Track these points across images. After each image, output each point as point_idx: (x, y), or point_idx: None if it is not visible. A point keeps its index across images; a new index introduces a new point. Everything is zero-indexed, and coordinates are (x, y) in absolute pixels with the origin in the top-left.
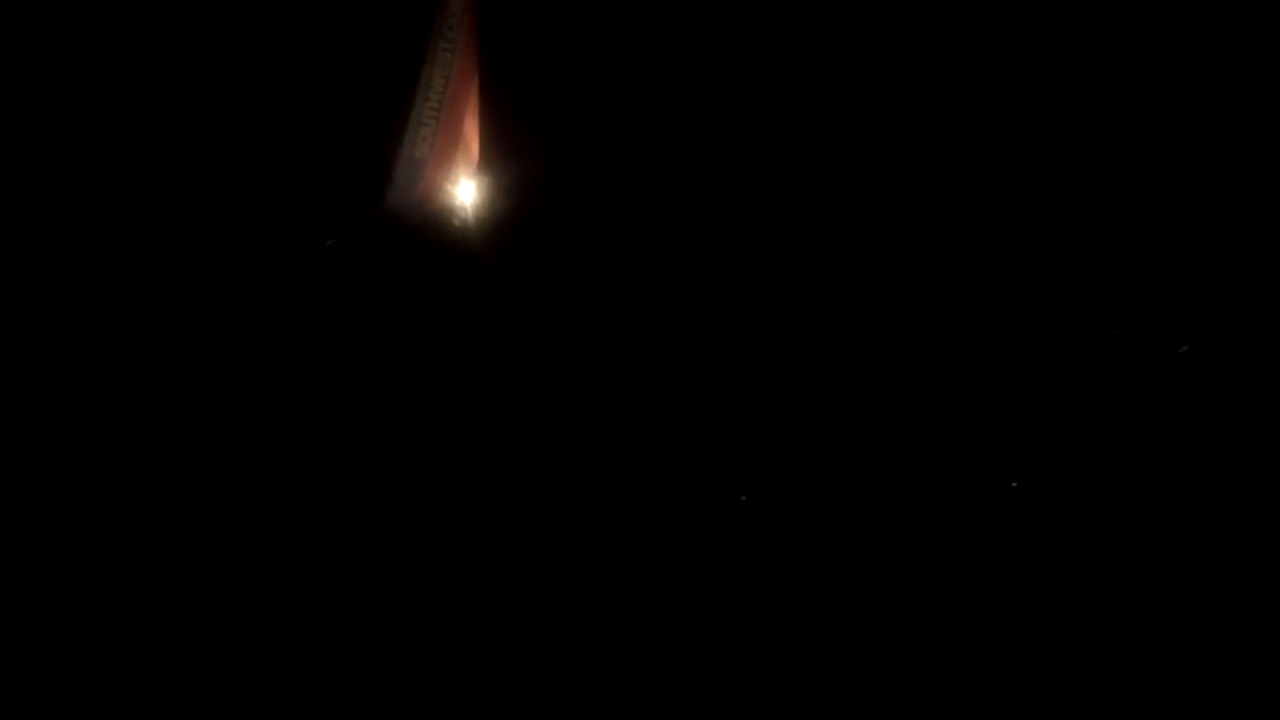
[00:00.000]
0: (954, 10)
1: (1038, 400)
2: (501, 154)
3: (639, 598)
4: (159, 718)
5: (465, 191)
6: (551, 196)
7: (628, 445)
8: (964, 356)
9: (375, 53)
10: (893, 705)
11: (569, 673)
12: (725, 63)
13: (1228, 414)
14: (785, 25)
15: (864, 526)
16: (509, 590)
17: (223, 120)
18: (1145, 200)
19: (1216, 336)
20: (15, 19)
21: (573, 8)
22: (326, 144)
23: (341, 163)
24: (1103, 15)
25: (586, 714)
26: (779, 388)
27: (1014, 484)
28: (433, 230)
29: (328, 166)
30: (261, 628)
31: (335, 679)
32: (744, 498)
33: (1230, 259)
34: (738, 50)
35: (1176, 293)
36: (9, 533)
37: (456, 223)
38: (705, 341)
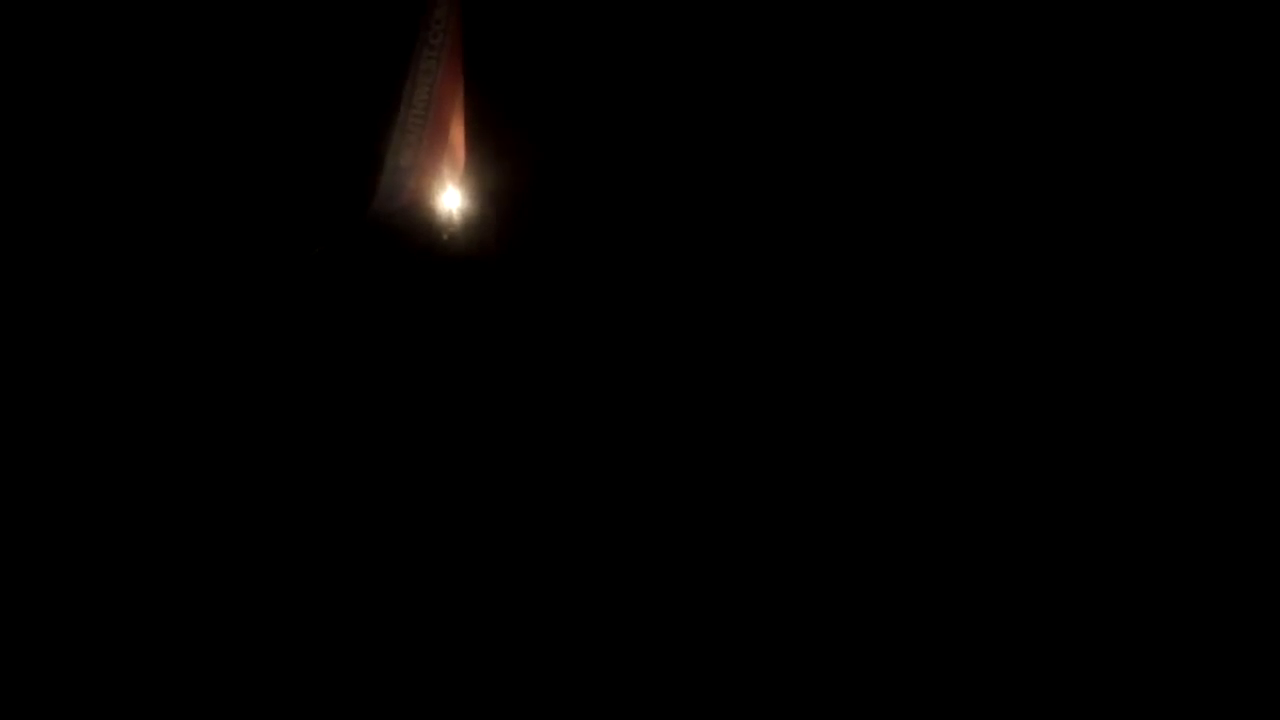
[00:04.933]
0: (952, 10)
1: (1038, 400)
2: (486, 160)
3: (631, 600)
4: (159, 718)
5: (450, 198)
6: (536, 202)
7: (617, 448)
8: (965, 357)
9: (360, 61)
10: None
11: (569, 673)
12: (710, 69)
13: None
14: (764, 32)
15: (864, 527)
16: (497, 596)
17: (209, 130)
18: (1145, 200)
19: (1216, 336)
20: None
21: (555, 15)
22: (312, 152)
23: (327, 170)
24: (1102, 15)
25: (586, 714)
26: (766, 391)
27: None
28: (418, 237)
29: (314, 174)
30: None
31: (333, 681)
32: None
33: (1230, 259)
34: (722, 56)
35: (1177, 293)
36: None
37: (442, 229)
38: (694, 343)
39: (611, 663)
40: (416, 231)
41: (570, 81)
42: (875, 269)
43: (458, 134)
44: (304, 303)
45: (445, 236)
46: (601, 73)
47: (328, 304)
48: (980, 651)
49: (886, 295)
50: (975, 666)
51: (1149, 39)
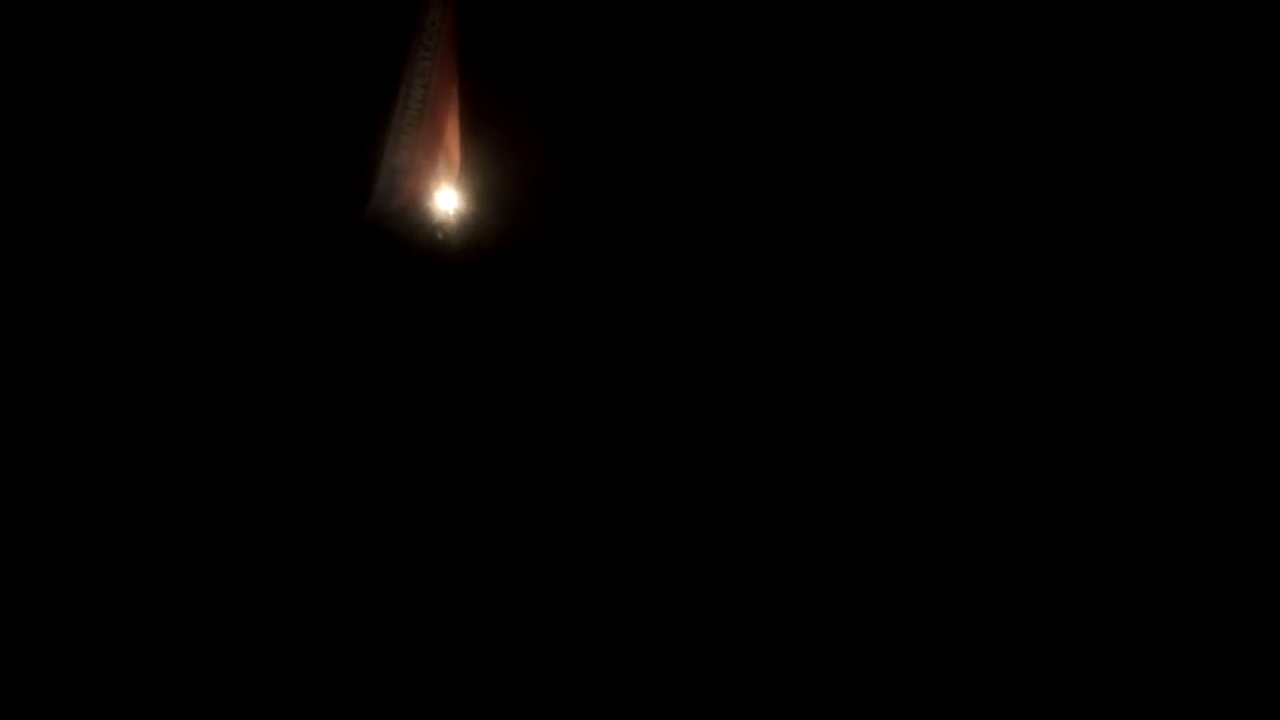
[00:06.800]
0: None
1: (1038, 400)
2: (482, 161)
3: (633, 600)
4: (159, 718)
5: (446, 199)
6: (532, 203)
7: (614, 450)
8: (968, 357)
9: (354, 62)
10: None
11: (569, 673)
12: (705, 72)
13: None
14: (760, 34)
15: (865, 527)
16: (497, 597)
17: (203, 131)
18: (1145, 200)
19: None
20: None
21: (550, 16)
22: (307, 153)
23: (322, 172)
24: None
25: (586, 714)
26: (766, 392)
27: None
28: (414, 238)
29: (308, 176)
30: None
31: (335, 681)
32: None
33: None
34: (717, 60)
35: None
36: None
37: (437, 230)
38: (693, 344)
39: (611, 663)
40: (412, 233)
41: (565, 82)
42: (874, 267)
43: (453, 135)
44: (300, 304)
45: (441, 238)
46: (597, 73)
47: (324, 306)
48: (980, 651)
49: (887, 293)
50: (975, 666)
51: (1149, 39)
